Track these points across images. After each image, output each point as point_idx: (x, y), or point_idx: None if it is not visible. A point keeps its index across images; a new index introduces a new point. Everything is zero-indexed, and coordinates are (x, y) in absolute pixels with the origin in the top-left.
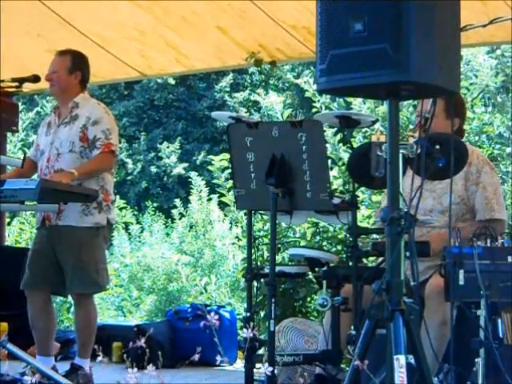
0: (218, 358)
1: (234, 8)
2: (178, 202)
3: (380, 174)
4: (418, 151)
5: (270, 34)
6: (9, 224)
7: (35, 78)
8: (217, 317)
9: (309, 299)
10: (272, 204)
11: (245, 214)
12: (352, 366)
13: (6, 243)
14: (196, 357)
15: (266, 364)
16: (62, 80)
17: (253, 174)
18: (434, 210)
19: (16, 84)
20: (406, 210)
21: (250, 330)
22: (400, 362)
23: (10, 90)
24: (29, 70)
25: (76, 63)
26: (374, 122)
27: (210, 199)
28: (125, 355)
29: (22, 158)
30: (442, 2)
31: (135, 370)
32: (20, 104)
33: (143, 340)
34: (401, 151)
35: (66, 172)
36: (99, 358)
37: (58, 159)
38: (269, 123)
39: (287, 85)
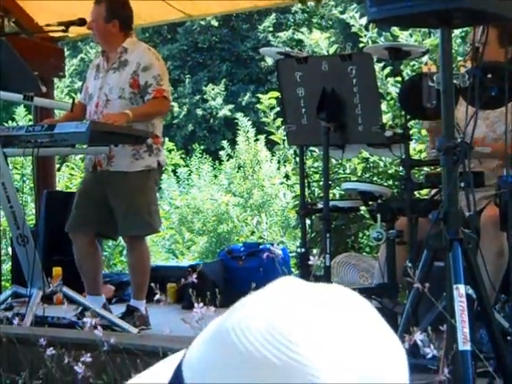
0: None
1: None
2: (225, 143)
3: (432, 104)
4: (470, 81)
5: None
6: (58, 170)
7: (81, 22)
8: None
9: (361, 235)
10: (324, 138)
11: (294, 152)
12: (413, 291)
13: (57, 188)
14: None
15: None
16: (101, 29)
17: (303, 110)
18: (486, 138)
19: (62, 28)
20: (460, 139)
21: (316, 258)
22: (460, 291)
23: (55, 35)
24: (74, 15)
25: (111, 11)
26: (424, 53)
27: (257, 140)
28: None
29: (70, 102)
30: None
31: (201, 304)
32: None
33: (195, 276)
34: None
35: (120, 113)
36: (157, 297)
37: (107, 105)
38: (318, 57)
39: (330, 22)
